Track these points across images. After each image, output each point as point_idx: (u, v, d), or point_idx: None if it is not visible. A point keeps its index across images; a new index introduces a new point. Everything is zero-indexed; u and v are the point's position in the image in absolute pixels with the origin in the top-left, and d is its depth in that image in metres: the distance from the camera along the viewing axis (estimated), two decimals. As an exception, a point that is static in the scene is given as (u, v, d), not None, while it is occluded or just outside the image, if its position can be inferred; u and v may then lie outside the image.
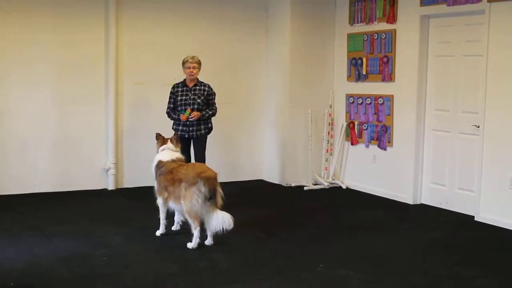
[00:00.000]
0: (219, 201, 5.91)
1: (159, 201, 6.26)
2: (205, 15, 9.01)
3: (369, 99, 8.68)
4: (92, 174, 8.48)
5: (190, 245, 5.86)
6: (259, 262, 5.58)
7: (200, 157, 7.54)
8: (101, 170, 8.51)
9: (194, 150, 7.60)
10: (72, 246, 5.88)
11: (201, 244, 5.90)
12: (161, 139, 6.60)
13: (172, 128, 7.57)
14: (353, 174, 9.11)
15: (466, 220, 7.26)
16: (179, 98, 7.51)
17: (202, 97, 7.45)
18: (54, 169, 8.24)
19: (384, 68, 8.41)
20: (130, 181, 8.65)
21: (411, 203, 8.09)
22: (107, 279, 5.02)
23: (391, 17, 8.27)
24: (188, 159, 7.61)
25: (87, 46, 8.33)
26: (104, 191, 8.44)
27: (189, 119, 7.37)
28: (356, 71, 8.88)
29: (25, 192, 8.02)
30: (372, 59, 8.62)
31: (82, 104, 8.33)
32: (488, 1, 6.98)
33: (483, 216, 7.16)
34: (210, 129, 7.61)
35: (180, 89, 7.57)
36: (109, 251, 5.76)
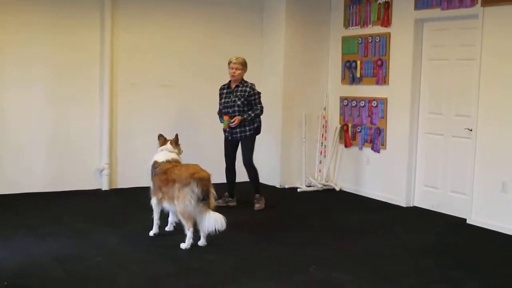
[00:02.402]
0: (212, 202, 5.93)
1: (153, 201, 6.28)
2: (201, 17, 9.03)
3: (363, 101, 8.71)
4: (87, 174, 8.48)
5: (183, 245, 5.88)
6: (252, 263, 5.60)
7: (246, 159, 7.59)
8: (96, 171, 8.52)
9: (241, 151, 7.66)
10: (66, 246, 5.89)
11: (194, 245, 5.92)
12: (162, 140, 6.62)
13: (223, 129, 7.66)
14: (347, 176, 9.15)
15: (458, 223, 7.30)
16: (223, 100, 7.55)
17: (242, 99, 7.44)
18: (48, 169, 8.24)
19: (378, 71, 8.45)
20: (124, 182, 8.66)
21: (404, 205, 8.13)
22: (100, 280, 5.03)
23: (386, 21, 8.31)
24: (232, 162, 7.64)
25: (83, 47, 8.33)
26: (98, 192, 8.45)
27: (231, 126, 7.41)
28: (350, 73, 8.91)
29: (19, 192, 8.02)
30: (367, 62, 8.66)
31: (76, 104, 8.34)
32: (481, 6, 7.03)
33: (475, 219, 7.20)
34: (256, 129, 7.62)
35: (225, 90, 7.61)
36: (103, 251, 5.77)
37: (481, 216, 7.15)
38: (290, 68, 9.12)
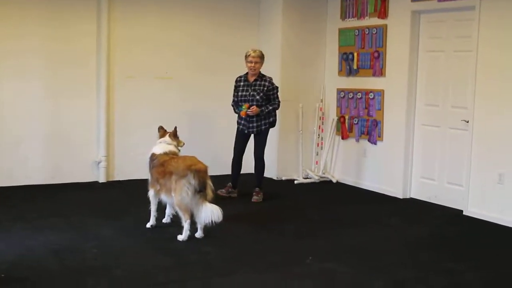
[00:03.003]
0: (209, 193, 5.94)
1: (151, 193, 6.29)
2: (197, 9, 9.01)
3: (359, 93, 8.71)
4: (84, 167, 8.48)
5: (180, 237, 5.89)
6: (249, 255, 5.61)
7: (259, 153, 7.58)
8: (92, 163, 8.51)
9: (254, 145, 7.64)
10: (63, 238, 5.89)
11: (191, 237, 5.92)
12: (161, 132, 6.62)
13: (237, 121, 7.63)
14: (343, 168, 9.16)
15: (455, 214, 7.32)
16: (239, 93, 7.48)
17: (262, 93, 7.39)
18: (45, 161, 8.24)
19: (375, 63, 8.44)
20: (121, 174, 8.66)
21: (401, 197, 8.14)
22: (97, 272, 5.04)
23: (383, 12, 8.30)
24: (241, 154, 7.63)
25: (79, 40, 8.32)
26: (95, 184, 8.45)
27: (248, 113, 7.33)
28: (347, 65, 8.91)
29: (16, 185, 8.02)
30: (363, 54, 8.65)
31: (73, 97, 8.33)
32: (478, -3, 7.04)
33: (472, 210, 7.22)
34: (272, 123, 7.59)
35: (242, 83, 7.52)
36: (100, 243, 5.77)
37: (477, 207, 7.17)
38: (287, 60, 9.11)
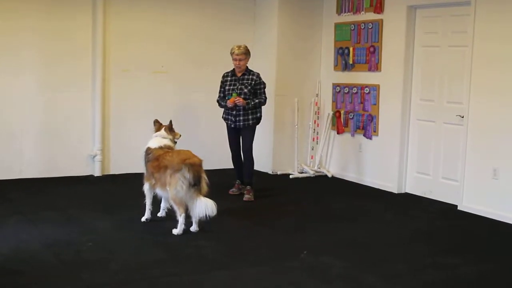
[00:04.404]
0: (204, 187, 5.94)
1: (146, 187, 6.29)
2: (193, 3, 9.00)
3: (355, 88, 8.72)
4: (79, 160, 8.47)
5: (175, 231, 5.89)
6: (244, 249, 5.62)
7: (246, 147, 7.53)
8: (88, 157, 8.50)
9: (241, 140, 7.59)
10: (58, 232, 5.89)
11: (186, 231, 5.93)
12: (157, 126, 6.60)
13: (222, 117, 7.59)
14: (339, 163, 9.17)
15: (450, 209, 7.34)
16: (227, 87, 7.43)
17: (249, 87, 7.36)
18: (40, 155, 8.22)
19: (371, 58, 8.45)
20: (116, 168, 8.65)
21: (396, 192, 8.16)
22: (92, 265, 5.04)
23: (378, 7, 8.30)
24: (237, 149, 7.60)
25: (74, 33, 8.30)
26: (90, 178, 8.44)
27: (236, 102, 7.26)
28: (343, 60, 8.91)
29: (11, 178, 8.01)
30: (359, 48, 8.65)
31: (69, 90, 8.31)
32: (474, -8, 7.04)
33: (466, 205, 7.24)
34: (258, 119, 7.55)
35: (229, 78, 7.48)
36: (95, 237, 5.77)
37: (472, 202, 7.19)
38: (283, 55, 9.11)
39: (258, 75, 7.49)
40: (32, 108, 8.13)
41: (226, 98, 7.41)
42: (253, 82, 7.41)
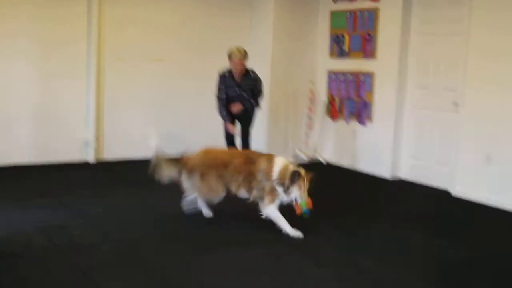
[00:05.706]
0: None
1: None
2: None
3: (350, 75, 8.73)
4: (73, 146, 8.46)
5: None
6: (239, 233, 5.66)
7: (245, 133, 7.45)
8: (82, 143, 8.51)
9: (241, 127, 7.48)
10: (51, 216, 5.89)
11: (181, 215, 6.00)
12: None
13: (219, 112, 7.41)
14: (333, 150, 9.19)
15: (443, 195, 7.38)
16: (230, 94, 7.26)
17: (249, 90, 7.29)
18: (35, 141, 8.21)
19: (366, 46, 8.45)
20: (111, 154, 8.65)
21: (390, 178, 8.18)
22: (84, 248, 5.06)
23: (374, -5, 8.31)
24: (233, 142, 7.48)
25: (69, 21, 8.26)
26: (84, 164, 8.45)
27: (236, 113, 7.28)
28: (339, 47, 8.91)
29: (5, 164, 8.01)
30: (355, 36, 8.65)
31: (64, 78, 8.29)
32: (469, -21, 7.04)
33: (459, 190, 7.28)
34: (257, 106, 7.49)
35: (230, 83, 7.24)
36: (87, 222, 5.79)
37: (465, 187, 7.23)
38: (279, 41, 9.10)
39: (255, 75, 7.33)
40: (27, 95, 8.11)
41: (226, 113, 7.29)
42: (252, 85, 7.30)
